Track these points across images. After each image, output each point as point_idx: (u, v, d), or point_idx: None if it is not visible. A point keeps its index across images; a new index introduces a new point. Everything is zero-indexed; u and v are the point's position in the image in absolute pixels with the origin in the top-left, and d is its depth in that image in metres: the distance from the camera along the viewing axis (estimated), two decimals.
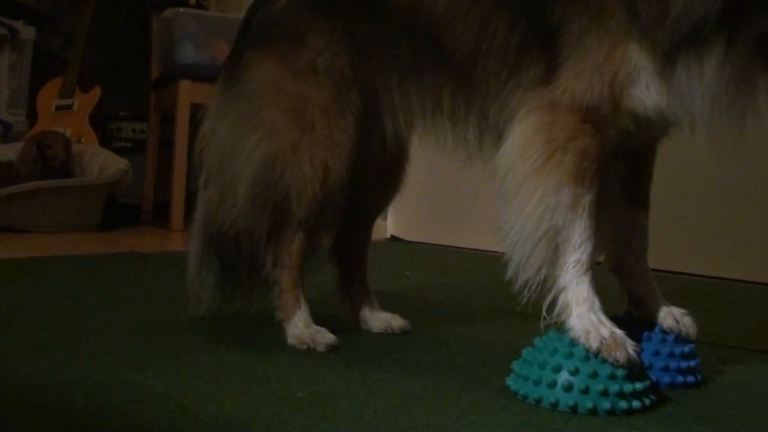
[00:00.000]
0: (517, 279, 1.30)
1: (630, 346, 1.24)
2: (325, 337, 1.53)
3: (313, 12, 1.56)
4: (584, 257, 1.28)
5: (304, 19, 1.56)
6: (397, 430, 1.09)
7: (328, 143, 1.52)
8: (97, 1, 4.36)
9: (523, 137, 1.31)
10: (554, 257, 1.28)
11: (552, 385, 1.22)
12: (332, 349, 1.51)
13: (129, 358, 1.39)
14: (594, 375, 1.21)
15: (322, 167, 1.52)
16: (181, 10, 4.22)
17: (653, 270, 1.48)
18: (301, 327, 1.55)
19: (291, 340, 1.54)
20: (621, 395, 1.21)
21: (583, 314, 1.26)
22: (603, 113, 1.27)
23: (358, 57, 1.54)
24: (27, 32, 4.26)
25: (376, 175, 1.68)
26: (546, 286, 1.29)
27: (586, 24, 1.27)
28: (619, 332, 1.25)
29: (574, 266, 1.28)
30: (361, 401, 1.20)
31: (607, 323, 1.26)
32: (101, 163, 3.83)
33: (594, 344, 1.22)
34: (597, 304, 1.28)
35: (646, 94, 1.26)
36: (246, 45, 1.62)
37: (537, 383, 1.23)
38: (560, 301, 1.28)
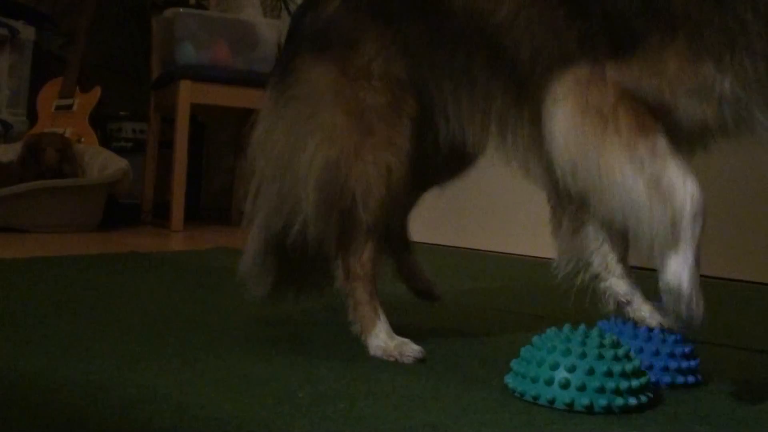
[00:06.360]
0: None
1: None
2: (412, 348, 1.49)
3: (366, 16, 1.53)
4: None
5: (357, 23, 1.53)
6: (397, 430, 1.09)
7: (388, 146, 1.50)
8: (97, 1, 4.35)
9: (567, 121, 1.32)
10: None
11: (549, 382, 1.22)
12: (420, 361, 1.47)
13: (129, 358, 1.39)
14: (591, 372, 1.21)
15: (385, 169, 1.49)
16: (181, 10, 4.21)
17: (653, 270, 1.48)
18: (384, 338, 1.50)
19: (375, 351, 1.50)
20: (618, 392, 1.21)
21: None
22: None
23: (413, 61, 1.51)
24: (27, 32, 4.25)
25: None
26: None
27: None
28: None
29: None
30: (361, 401, 1.20)
31: None
32: (101, 163, 3.82)
33: None
34: None
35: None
36: (296, 49, 1.59)
37: (534, 381, 1.23)
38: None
